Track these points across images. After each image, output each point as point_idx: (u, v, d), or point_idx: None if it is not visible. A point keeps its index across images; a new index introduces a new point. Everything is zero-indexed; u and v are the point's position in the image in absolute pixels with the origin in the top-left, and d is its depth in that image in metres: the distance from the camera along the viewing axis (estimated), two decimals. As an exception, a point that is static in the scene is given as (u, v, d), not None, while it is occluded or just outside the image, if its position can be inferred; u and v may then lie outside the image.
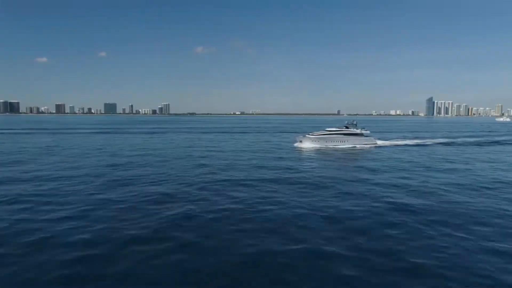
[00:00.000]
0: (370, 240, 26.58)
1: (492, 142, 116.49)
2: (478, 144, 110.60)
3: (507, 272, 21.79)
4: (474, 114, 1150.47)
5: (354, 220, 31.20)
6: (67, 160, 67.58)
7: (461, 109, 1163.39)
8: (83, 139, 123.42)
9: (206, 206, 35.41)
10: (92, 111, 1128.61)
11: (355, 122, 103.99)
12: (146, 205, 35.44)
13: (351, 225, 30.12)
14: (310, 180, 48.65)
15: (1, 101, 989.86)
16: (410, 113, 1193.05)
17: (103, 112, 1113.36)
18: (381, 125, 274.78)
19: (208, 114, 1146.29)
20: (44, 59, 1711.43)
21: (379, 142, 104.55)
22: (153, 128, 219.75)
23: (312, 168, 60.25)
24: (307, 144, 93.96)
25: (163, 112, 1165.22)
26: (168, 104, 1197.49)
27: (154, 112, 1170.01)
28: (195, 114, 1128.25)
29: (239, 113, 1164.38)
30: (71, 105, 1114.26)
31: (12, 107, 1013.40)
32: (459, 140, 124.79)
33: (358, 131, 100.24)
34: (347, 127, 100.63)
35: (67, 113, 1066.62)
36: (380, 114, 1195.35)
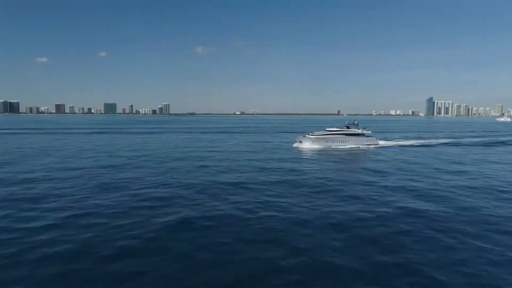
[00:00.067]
0: (384, 251, 24.15)
1: (497, 143, 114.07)
2: (485, 144, 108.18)
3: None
4: (474, 114, 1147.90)
5: (363, 228, 28.77)
6: (61, 161, 65.24)
7: (461, 109, 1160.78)
8: (81, 139, 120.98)
9: (203, 211, 33.00)
10: (92, 111, 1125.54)
11: (356, 122, 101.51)
12: (139, 211, 33.02)
13: (361, 233, 27.73)
14: (313, 183, 46.27)
15: (1, 101, 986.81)
16: (410, 113, 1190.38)
17: (103, 112, 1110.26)
18: (381, 125, 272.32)
19: (208, 114, 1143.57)
20: (44, 59, 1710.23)
21: (381, 143, 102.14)
22: (153, 128, 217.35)
23: (314, 170, 57.83)
24: (307, 145, 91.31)
25: (163, 112, 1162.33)
26: (168, 104, 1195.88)
27: (154, 112, 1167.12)
28: (195, 114, 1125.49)
29: (239, 113, 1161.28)
30: (71, 105, 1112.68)
31: (12, 107, 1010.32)
32: (463, 140, 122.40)
33: (360, 131, 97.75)
34: (348, 127, 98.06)
35: (67, 113, 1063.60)
36: (380, 114, 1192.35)
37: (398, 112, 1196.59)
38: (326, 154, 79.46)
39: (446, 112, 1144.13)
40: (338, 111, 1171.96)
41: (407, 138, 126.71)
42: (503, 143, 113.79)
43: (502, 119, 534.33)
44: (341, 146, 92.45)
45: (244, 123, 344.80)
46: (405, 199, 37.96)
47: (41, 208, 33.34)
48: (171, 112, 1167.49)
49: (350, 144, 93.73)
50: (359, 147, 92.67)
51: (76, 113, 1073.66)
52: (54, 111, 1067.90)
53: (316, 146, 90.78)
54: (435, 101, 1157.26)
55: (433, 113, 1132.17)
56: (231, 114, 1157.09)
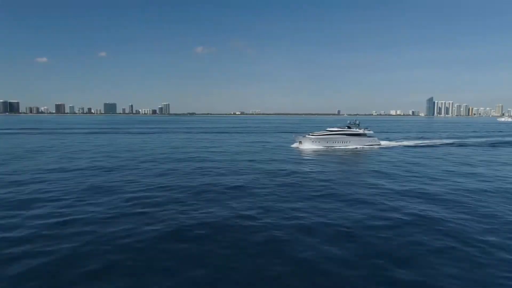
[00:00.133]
0: (399, 264, 21.66)
1: (503, 143, 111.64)
2: (490, 144, 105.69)
3: None
4: (474, 114, 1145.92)
5: (374, 237, 26.30)
6: (56, 162, 62.89)
7: (461, 109, 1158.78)
8: (80, 139, 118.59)
9: (199, 218, 30.53)
10: (92, 111, 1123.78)
11: (357, 122, 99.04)
12: (132, 218, 30.51)
13: (372, 242, 25.28)
14: (316, 186, 43.84)
15: (1, 101, 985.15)
16: (410, 113, 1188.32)
17: (103, 112, 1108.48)
18: (381, 125, 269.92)
19: (208, 114, 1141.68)
20: (44, 59, 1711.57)
21: (384, 143, 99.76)
22: (153, 128, 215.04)
23: (316, 171, 55.41)
24: (307, 145, 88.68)
25: (163, 112, 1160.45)
26: (168, 104, 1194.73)
27: (154, 112, 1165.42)
28: (195, 114, 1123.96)
29: (239, 113, 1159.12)
30: (71, 105, 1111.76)
31: (12, 107, 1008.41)
32: (468, 140, 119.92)
33: (361, 131, 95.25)
34: (349, 127, 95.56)
35: (67, 113, 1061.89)
36: (380, 114, 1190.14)
37: (398, 112, 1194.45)
38: (327, 155, 77.01)
39: (447, 112, 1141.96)
40: (338, 111, 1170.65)
41: (409, 138, 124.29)
42: (510, 143, 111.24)
43: (503, 119, 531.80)
44: (342, 146, 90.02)
45: (244, 123, 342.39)
46: (416, 204, 35.48)
47: (25, 215, 30.79)
48: (171, 112, 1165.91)
49: (352, 144, 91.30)
50: (362, 147, 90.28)
51: (76, 113, 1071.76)
52: (54, 111, 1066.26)
53: (316, 146, 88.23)
54: (435, 101, 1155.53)
55: (433, 113, 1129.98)
56: (231, 114, 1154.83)
